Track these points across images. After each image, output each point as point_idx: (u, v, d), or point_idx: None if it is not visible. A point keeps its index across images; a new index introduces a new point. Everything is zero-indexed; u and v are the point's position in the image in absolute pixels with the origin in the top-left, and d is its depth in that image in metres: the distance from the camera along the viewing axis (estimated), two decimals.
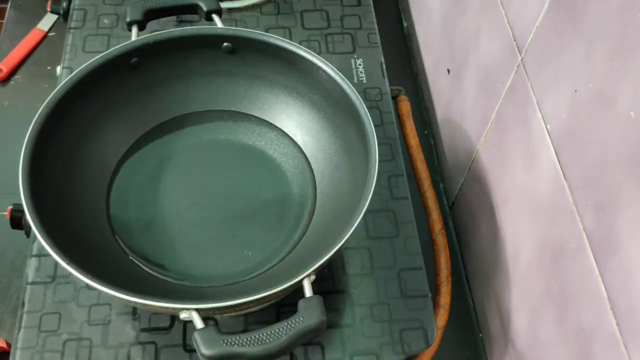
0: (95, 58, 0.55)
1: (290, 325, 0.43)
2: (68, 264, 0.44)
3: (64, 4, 0.81)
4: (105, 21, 0.72)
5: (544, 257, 0.53)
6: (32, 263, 0.56)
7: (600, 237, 0.44)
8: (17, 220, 0.58)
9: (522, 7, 0.55)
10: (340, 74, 0.56)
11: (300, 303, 0.44)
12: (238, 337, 0.42)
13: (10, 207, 0.59)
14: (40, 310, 0.54)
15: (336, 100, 0.57)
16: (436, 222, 0.68)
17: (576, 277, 0.47)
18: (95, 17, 0.72)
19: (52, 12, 0.83)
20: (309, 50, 0.57)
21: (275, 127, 0.63)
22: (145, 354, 0.53)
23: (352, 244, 0.59)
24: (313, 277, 0.46)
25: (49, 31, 0.82)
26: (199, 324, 0.43)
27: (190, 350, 0.54)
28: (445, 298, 0.62)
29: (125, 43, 0.57)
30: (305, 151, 0.62)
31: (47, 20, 0.83)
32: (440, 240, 0.66)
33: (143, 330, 0.54)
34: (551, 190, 0.51)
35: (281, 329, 0.43)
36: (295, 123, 0.62)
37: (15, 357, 0.52)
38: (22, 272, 0.57)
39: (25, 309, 0.54)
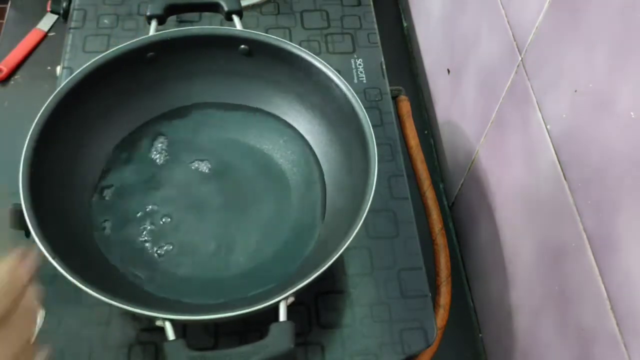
0: (109, 50, 0.55)
1: (257, 350, 0.42)
2: (53, 258, 0.45)
3: (64, 4, 0.81)
4: (105, 21, 0.72)
5: (544, 257, 0.53)
6: None
7: (600, 237, 0.44)
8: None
9: (522, 7, 0.55)
10: (346, 81, 0.55)
11: (271, 328, 0.43)
12: (205, 355, 0.42)
13: (10, 207, 0.59)
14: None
15: (339, 107, 0.57)
16: (436, 222, 0.68)
17: (576, 277, 0.47)
18: (95, 17, 0.72)
19: (52, 12, 0.83)
20: (319, 59, 0.57)
21: (285, 133, 0.62)
22: (145, 354, 0.53)
23: (352, 244, 0.59)
24: (291, 300, 0.45)
25: (49, 31, 0.82)
26: (170, 335, 0.43)
27: None
28: (445, 298, 0.62)
29: (143, 37, 0.57)
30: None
31: (47, 20, 0.83)
32: (440, 240, 0.66)
33: (143, 330, 0.54)
34: (551, 190, 0.50)
35: (248, 352, 0.42)
36: (303, 129, 0.62)
37: None
38: None
39: None
